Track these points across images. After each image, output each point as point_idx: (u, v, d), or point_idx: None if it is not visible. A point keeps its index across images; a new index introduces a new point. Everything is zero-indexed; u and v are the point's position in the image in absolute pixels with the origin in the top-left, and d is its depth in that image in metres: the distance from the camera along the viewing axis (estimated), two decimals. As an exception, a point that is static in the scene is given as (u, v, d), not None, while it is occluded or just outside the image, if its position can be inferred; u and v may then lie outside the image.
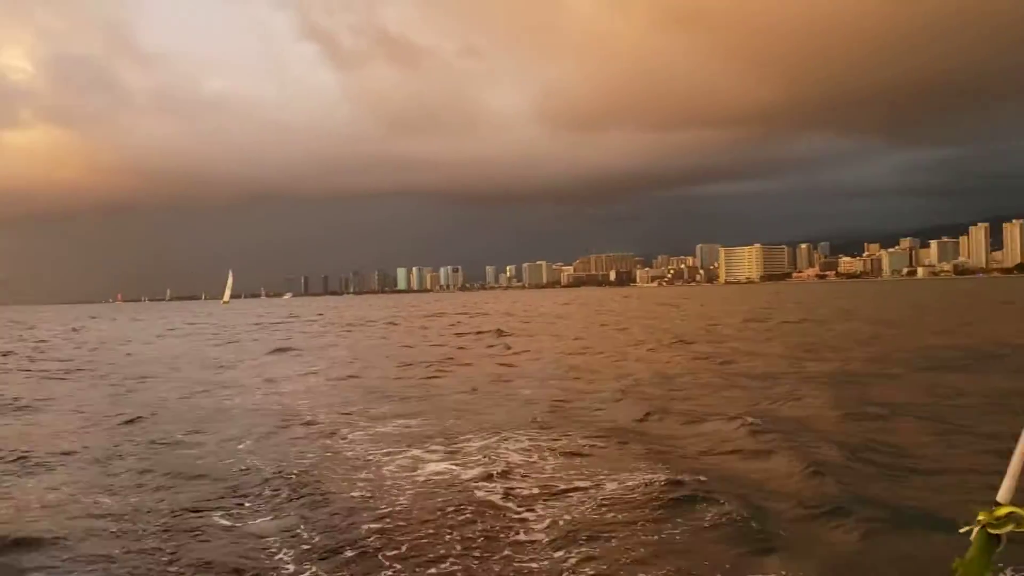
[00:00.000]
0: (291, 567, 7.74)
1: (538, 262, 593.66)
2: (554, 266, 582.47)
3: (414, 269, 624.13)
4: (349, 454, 12.83)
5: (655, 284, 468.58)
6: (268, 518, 9.40)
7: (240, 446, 13.68)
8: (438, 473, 11.21)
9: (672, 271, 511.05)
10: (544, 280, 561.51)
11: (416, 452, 12.57)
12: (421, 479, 10.90)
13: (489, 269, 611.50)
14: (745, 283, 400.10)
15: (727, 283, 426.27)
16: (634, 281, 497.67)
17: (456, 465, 11.62)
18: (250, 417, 16.83)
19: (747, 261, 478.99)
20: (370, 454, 12.59)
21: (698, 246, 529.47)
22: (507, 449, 12.63)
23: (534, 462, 11.74)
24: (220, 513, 9.56)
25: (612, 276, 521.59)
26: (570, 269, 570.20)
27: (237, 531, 8.98)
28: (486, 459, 11.96)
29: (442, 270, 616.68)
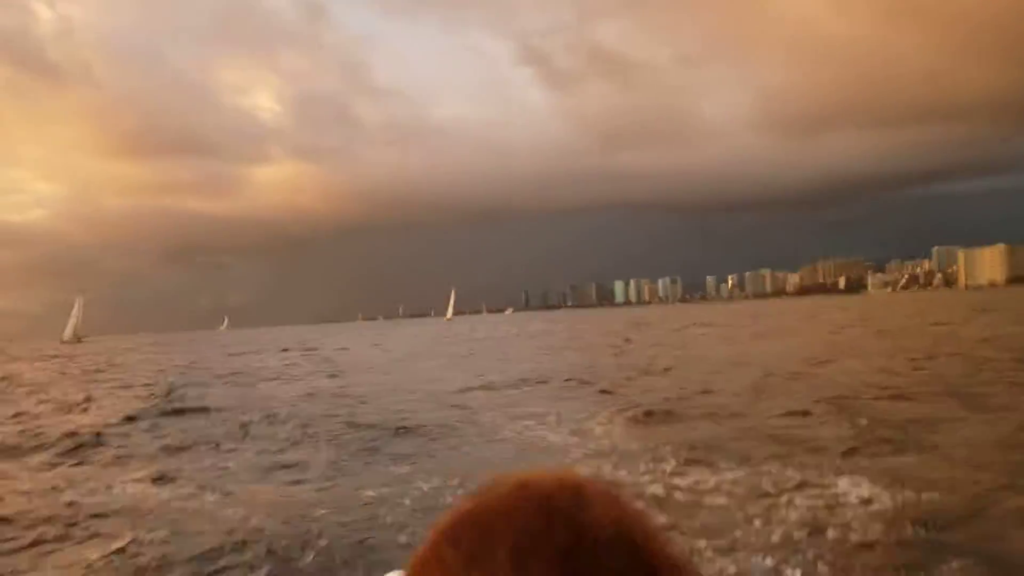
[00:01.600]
0: None
1: (761, 271, 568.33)
2: (778, 275, 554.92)
3: (631, 281, 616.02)
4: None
5: (888, 290, 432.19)
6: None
7: None
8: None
9: (906, 276, 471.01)
10: (768, 289, 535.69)
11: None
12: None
13: (709, 279, 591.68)
14: (988, 287, 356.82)
15: (967, 287, 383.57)
16: (864, 288, 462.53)
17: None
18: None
19: (990, 263, 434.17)
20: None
21: (934, 248, 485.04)
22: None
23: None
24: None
25: (841, 283, 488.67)
26: (796, 277, 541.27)
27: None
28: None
29: (660, 282, 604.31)
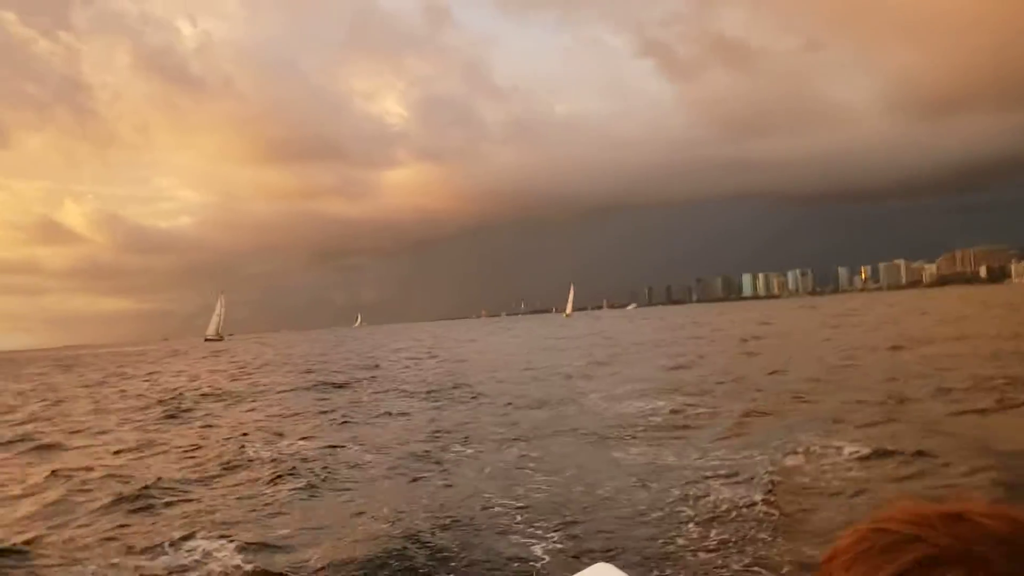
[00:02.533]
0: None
1: (895, 261, 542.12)
2: (913, 265, 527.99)
3: (759, 274, 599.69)
4: None
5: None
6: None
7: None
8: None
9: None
10: (903, 280, 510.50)
11: None
12: None
13: (841, 271, 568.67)
14: None
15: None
16: (1008, 276, 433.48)
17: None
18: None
19: None
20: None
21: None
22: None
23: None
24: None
25: (982, 272, 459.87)
26: (932, 267, 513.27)
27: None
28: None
29: (789, 274, 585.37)
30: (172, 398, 25.71)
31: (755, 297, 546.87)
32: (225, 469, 12.27)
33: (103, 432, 18.18)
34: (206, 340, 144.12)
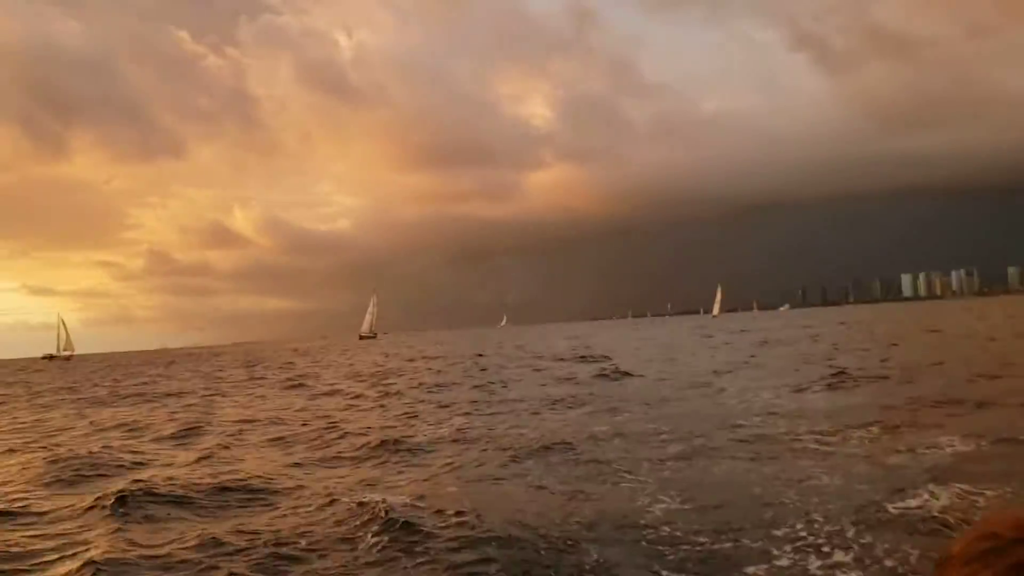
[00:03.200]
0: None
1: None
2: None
3: (920, 274, 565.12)
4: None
5: None
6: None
7: None
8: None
9: None
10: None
11: None
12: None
13: (1011, 271, 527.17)
14: None
15: None
16: None
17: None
18: None
19: None
20: None
21: None
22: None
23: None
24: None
25: None
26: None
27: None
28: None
29: (953, 274, 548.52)
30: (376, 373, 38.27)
31: (915, 298, 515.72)
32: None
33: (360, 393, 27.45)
34: (360, 338, 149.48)
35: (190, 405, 26.51)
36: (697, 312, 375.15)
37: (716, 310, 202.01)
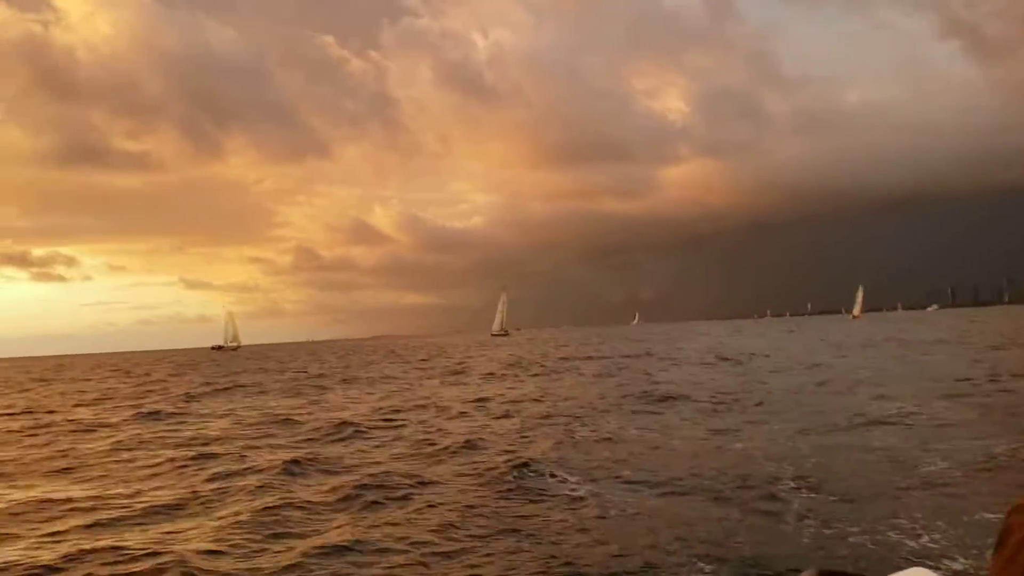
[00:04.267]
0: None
1: None
2: None
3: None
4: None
5: None
6: None
7: None
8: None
9: None
10: None
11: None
12: None
13: None
14: None
15: None
16: None
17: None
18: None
19: None
20: None
21: None
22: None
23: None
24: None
25: None
26: None
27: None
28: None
29: None
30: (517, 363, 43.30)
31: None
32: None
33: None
34: (492, 335, 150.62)
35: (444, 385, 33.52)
36: (838, 312, 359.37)
37: (857, 310, 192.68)
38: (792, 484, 10.64)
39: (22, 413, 27.82)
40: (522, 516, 9.61)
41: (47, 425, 22.87)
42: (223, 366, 71.38)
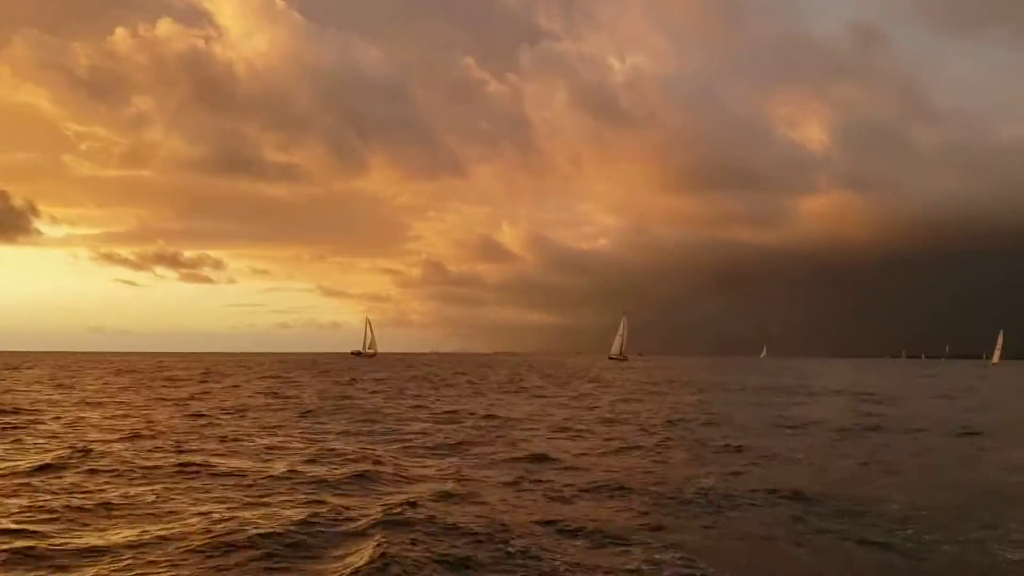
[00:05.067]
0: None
1: None
2: None
3: None
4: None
5: None
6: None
7: None
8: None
9: None
10: None
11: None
12: None
13: None
14: None
15: None
16: None
17: None
18: None
19: None
20: None
21: None
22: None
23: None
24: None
25: None
26: None
27: None
28: None
29: None
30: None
31: None
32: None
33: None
34: (610, 358, 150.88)
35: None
36: (978, 356, 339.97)
37: (996, 357, 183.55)
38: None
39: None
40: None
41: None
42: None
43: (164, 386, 47.16)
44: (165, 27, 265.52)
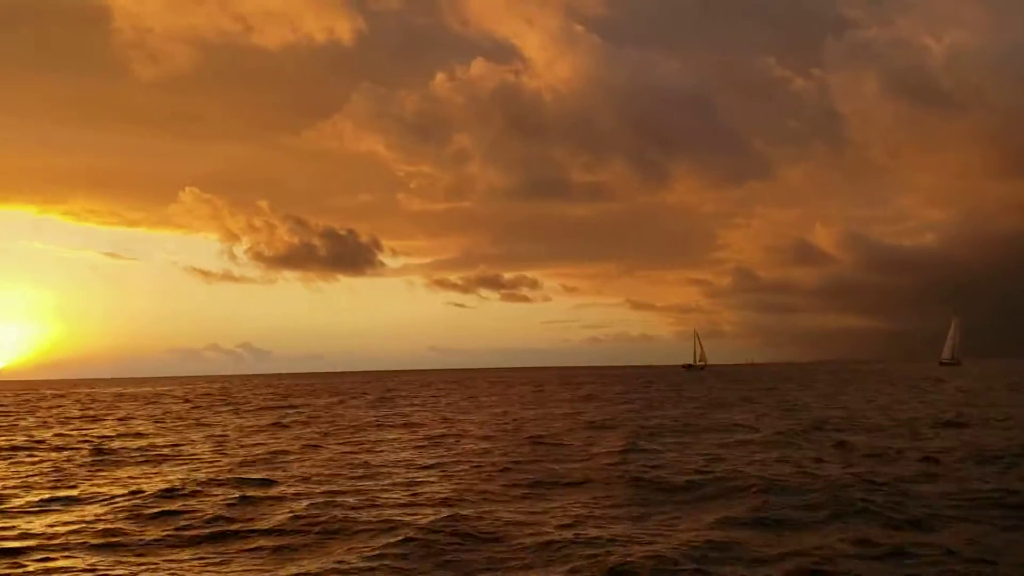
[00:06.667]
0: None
1: None
2: None
3: None
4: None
5: None
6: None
7: None
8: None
9: None
10: None
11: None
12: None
13: None
14: None
15: None
16: None
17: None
18: None
19: None
20: None
21: None
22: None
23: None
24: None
25: None
26: None
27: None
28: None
29: None
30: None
31: None
32: None
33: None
34: (940, 363, 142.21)
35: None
36: None
37: None
38: None
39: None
40: None
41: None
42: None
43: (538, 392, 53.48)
44: (478, 67, 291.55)
